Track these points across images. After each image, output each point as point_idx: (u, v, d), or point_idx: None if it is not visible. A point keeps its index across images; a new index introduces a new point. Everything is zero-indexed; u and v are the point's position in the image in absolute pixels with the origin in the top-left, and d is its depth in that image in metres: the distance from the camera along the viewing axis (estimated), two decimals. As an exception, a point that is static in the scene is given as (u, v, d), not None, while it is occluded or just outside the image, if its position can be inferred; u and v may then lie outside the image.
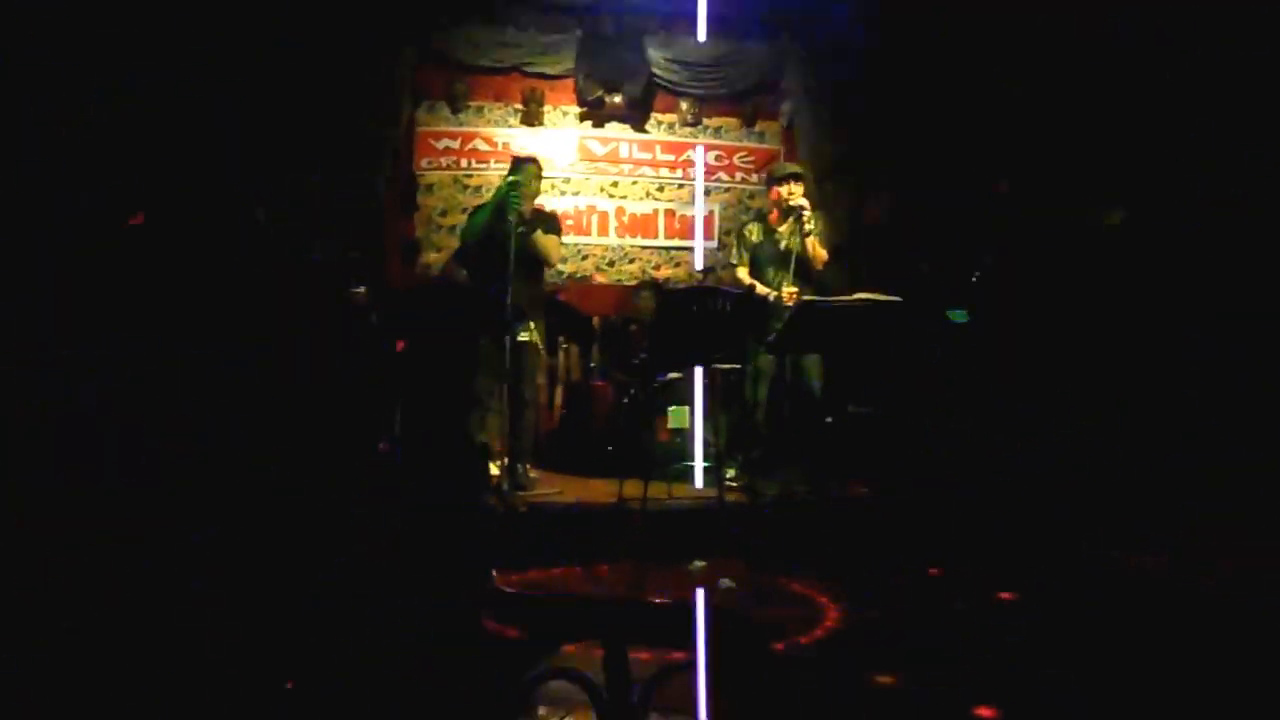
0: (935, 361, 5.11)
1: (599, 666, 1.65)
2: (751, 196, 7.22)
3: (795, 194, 5.00)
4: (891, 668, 2.72)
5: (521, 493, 4.78)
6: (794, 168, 5.26)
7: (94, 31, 4.07)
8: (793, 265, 4.88)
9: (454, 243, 6.11)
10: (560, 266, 5.77)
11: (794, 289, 4.84)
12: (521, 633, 1.71)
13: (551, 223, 5.17)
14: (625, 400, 5.55)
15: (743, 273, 5.16)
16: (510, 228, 4.65)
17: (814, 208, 5.10)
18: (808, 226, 4.92)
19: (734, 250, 5.31)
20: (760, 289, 5.01)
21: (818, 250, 5.00)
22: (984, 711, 2.49)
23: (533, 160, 5.15)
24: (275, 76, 5.40)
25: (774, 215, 5.18)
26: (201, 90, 4.73)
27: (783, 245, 5.05)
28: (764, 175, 7.19)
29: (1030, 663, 2.87)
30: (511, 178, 4.84)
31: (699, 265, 6.25)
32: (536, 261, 4.95)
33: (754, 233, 5.21)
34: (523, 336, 4.91)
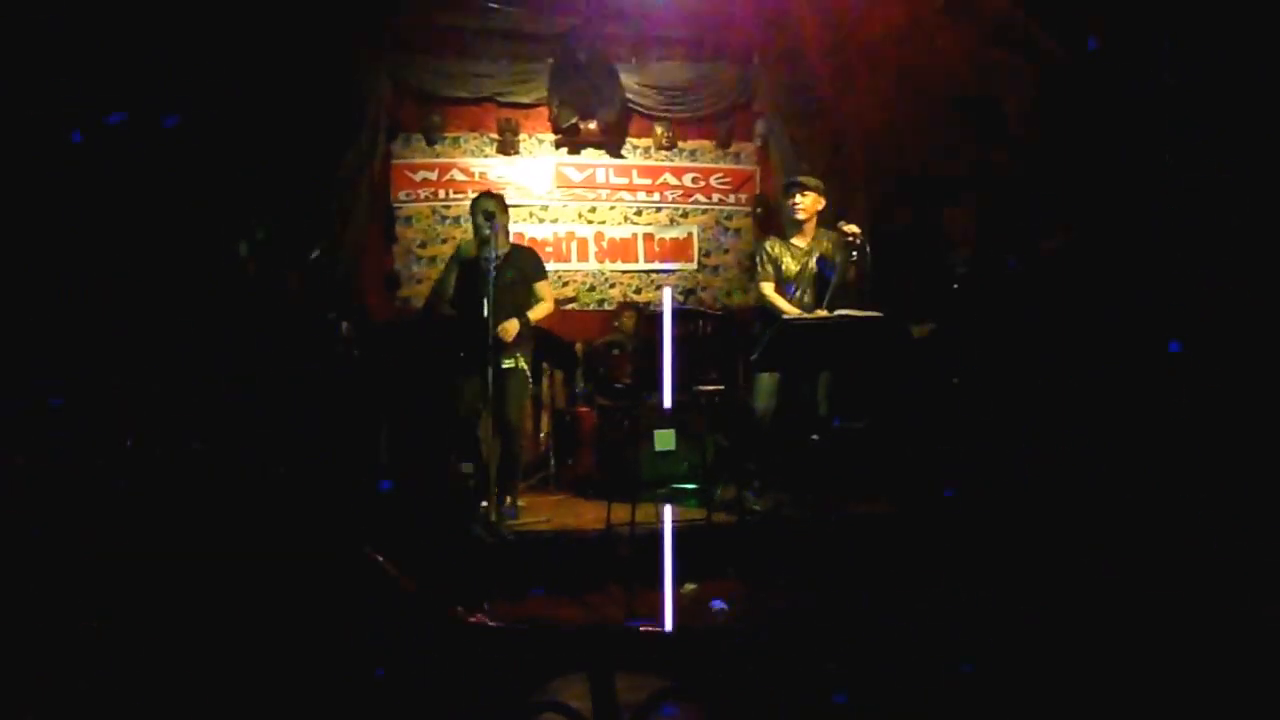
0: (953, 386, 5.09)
1: (588, 696, 1.63)
2: (729, 217, 7.27)
3: (852, 230, 4.67)
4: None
5: (508, 520, 4.76)
6: (814, 181, 5.08)
7: (70, 62, 4.07)
8: (830, 290, 4.74)
9: (434, 273, 6.11)
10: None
11: (824, 312, 4.64)
12: (508, 665, 1.70)
13: (533, 261, 5.16)
14: (610, 425, 5.55)
15: (767, 288, 5.00)
16: (489, 262, 4.65)
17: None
18: (854, 255, 4.67)
19: (759, 265, 5.16)
20: (785, 307, 4.87)
21: (857, 280, 4.84)
22: None
23: (493, 196, 5.12)
24: (248, 110, 5.40)
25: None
26: (174, 127, 4.73)
27: (806, 263, 4.95)
28: (745, 196, 7.24)
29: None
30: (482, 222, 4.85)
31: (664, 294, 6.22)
32: (519, 293, 4.94)
33: (775, 247, 5.08)
34: (507, 364, 4.90)
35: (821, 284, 4.85)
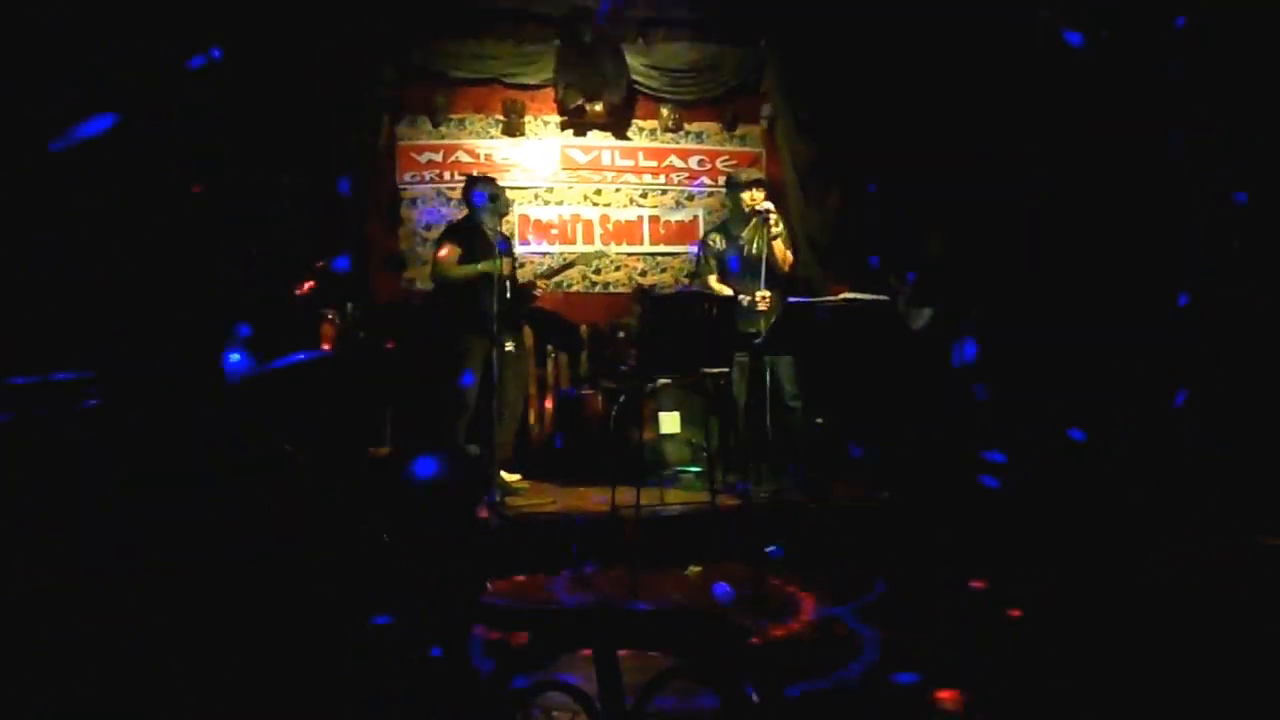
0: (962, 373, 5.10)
1: (592, 675, 1.64)
2: (735, 200, 7.24)
3: (758, 199, 5.04)
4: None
5: (513, 501, 4.78)
6: (758, 174, 5.32)
7: (72, 42, 4.04)
8: (763, 269, 4.91)
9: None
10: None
11: (765, 293, 4.90)
12: (513, 644, 1.71)
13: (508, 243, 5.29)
14: (615, 408, 5.55)
15: (713, 279, 5.22)
16: (496, 248, 4.68)
17: (781, 210, 5.16)
18: (774, 230, 4.97)
19: (701, 260, 5.38)
20: (727, 293, 5.00)
21: (785, 254, 5.06)
22: (945, 694, 2.51)
23: (490, 180, 5.23)
24: (251, 94, 5.38)
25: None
26: (176, 110, 4.71)
27: (748, 250, 5.11)
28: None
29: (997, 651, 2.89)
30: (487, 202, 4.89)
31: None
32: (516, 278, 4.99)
33: (718, 241, 5.27)
34: (508, 346, 4.92)
35: (766, 268, 4.96)
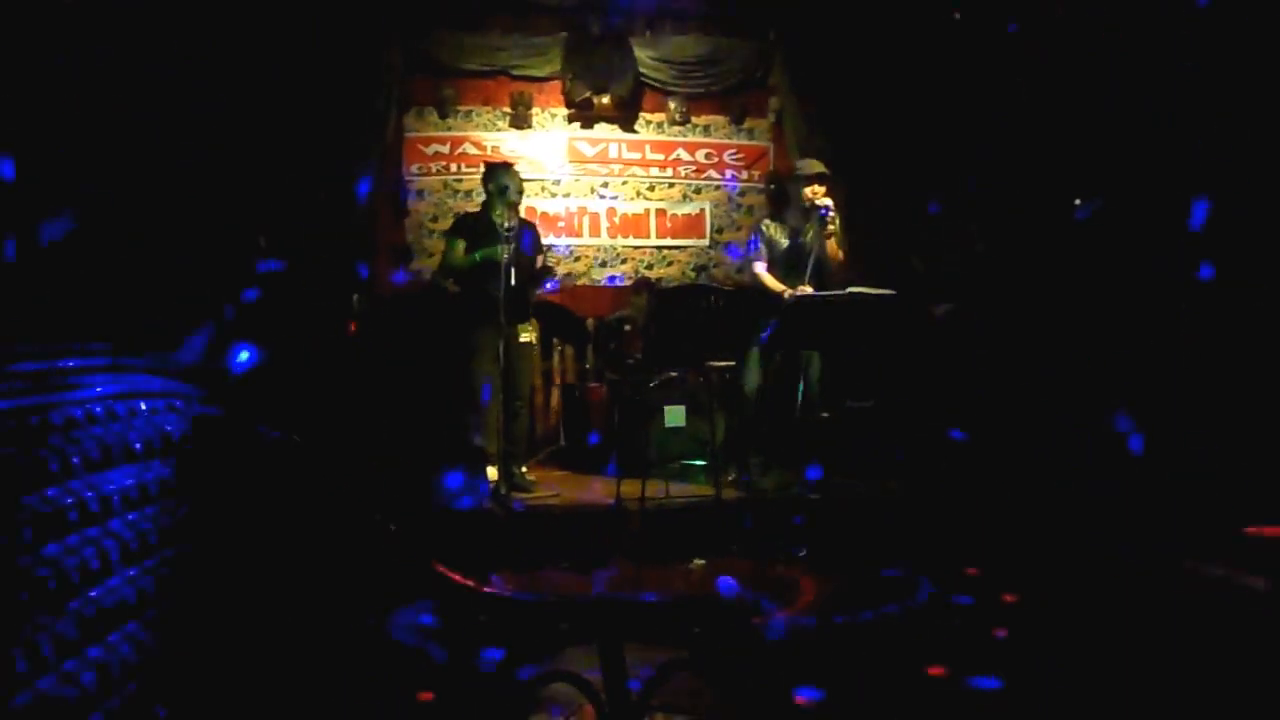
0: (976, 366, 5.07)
1: (598, 666, 1.64)
2: (742, 194, 7.23)
3: (819, 193, 4.87)
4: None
5: (519, 494, 4.78)
6: (820, 167, 5.09)
7: (73, 39, 4.05)
8: (810, 265, 4.77)
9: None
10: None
11: (808, 288, 4.70)
12: (518, 635, 1.72)
13: (536, 234, 5.21)
14: (621, 401, 5.55)
15: (760, 267, 5.03)
16: (501, 235, 4.65)
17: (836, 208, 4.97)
18: (830, 228, 4.78)
19: (752, 247, 5.18)
20: (775, 285, 4.90)
21: (837, 251, 4.89)
22: (934, 671, 2.52)
23: (508, 165, 5.16)
24: (259, 84, 5.38)
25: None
26: (183, 101, 4.71)
27: (801, 243, 4.95)
28: (758, 172, 7.21)
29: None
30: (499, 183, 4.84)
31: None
32: (527, 266, 4.94)
33: (771, 229, 5.10)
34: (522, 337, 4.92)
35: (815, 263, 4.85)
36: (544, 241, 5.51)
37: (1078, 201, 5.02)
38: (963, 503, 4.48)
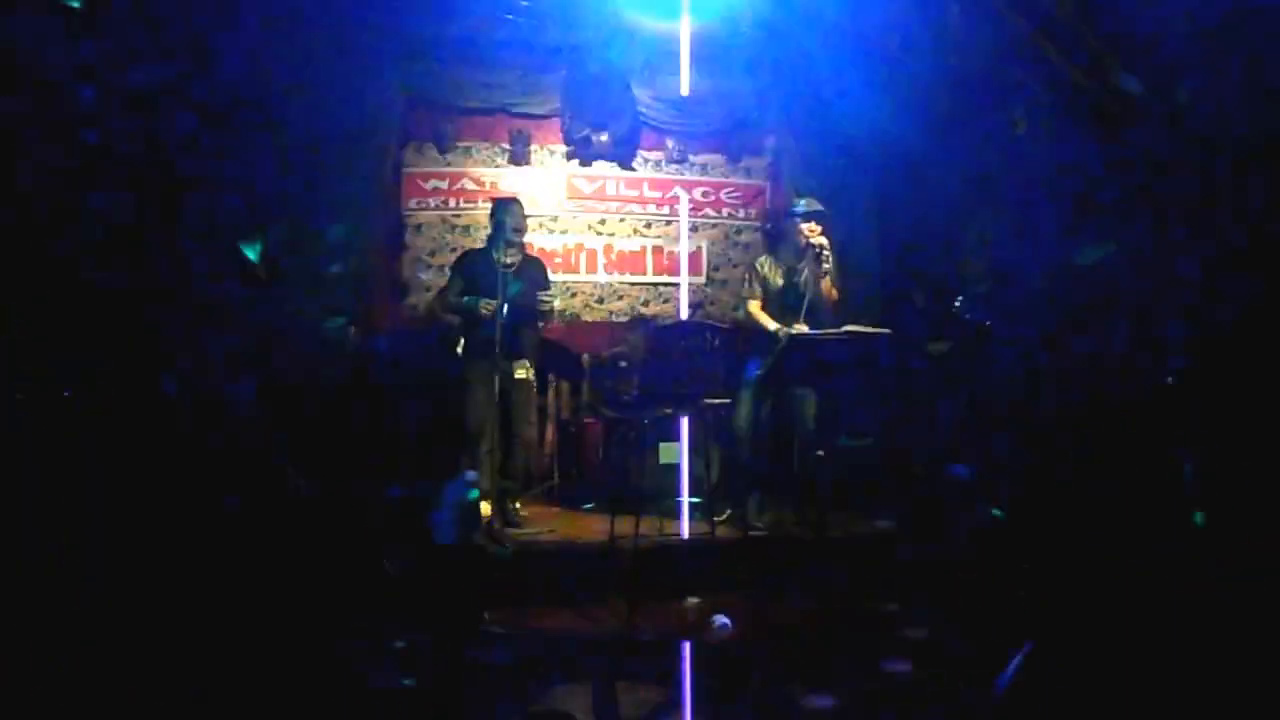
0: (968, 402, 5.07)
1: (589, 706, 1.62)
2: (739, 232, 7.27)
3: (815, 232, 4.87)
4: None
5: (513, 530, 4.75)
6: (816, 205, 5.10)
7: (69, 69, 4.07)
8: (805, 303, 4.79)
9: (442, 282, 6.09)
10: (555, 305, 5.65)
11: (803, 327, 4.71)
12: (511, 673, 1.69)
13: (542, 271, 5.20)
14: (616, 437, 5.54)
15: (754, 305, 5.06)
16: (501, 270, 4.67)
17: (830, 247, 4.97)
18: (825, 266, 4.80)
19: (746, 284, 5.20)
20: (769, 323, 4.92)
21: (830, 290, 4.90)
22: None
23: (511, 201, 5.17)
24: (260, 117, 5.41)
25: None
26: (185, 138, 4.73)
27: (795, 281, 4.95)
28: (754, 210, 7.25)
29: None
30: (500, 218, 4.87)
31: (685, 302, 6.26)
32: (529, 302, 4.94)
33: (765, 266, 5.11)
34: (518, 374, 4.91)
35: (810, 301, 4.84)
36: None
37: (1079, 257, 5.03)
38: (964, 543, 4.45)
